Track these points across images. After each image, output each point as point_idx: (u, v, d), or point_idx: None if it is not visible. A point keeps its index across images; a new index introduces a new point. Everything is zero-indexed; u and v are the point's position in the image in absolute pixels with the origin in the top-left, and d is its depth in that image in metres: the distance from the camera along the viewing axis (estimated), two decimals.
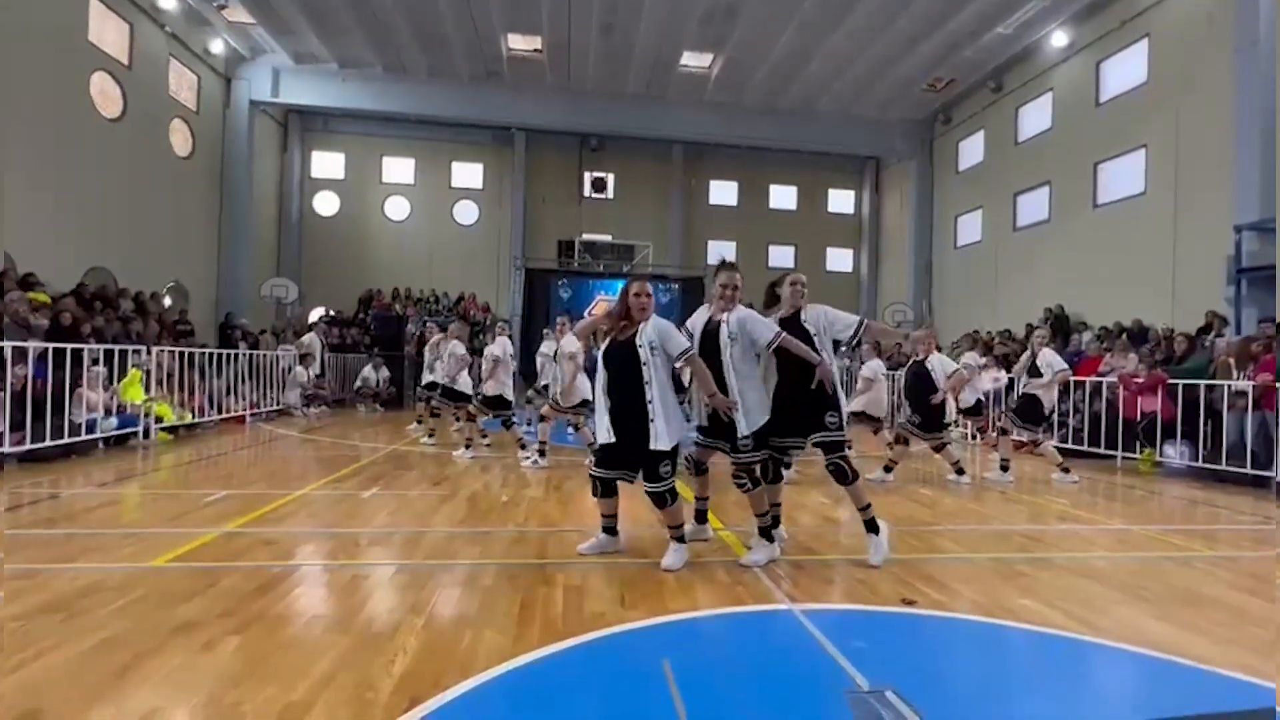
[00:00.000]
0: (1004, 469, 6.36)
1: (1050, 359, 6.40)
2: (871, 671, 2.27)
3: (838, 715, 2.03)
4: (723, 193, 19.90)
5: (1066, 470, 6.42)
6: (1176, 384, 7.36)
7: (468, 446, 7.19)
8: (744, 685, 2.25)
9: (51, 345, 6.54)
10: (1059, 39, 12.83)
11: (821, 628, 2.67)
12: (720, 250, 19.56)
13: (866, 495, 3.64)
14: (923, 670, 2.38)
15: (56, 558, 3.35)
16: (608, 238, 17.60)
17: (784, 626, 2.73)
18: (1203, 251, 9.81)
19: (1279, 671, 2.31)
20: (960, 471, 6.23)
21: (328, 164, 18.33)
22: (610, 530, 3.66)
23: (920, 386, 6.13)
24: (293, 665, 2.24)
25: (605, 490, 3.54)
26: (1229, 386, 6.81)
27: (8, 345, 5.91)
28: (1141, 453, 7.42)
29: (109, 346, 7.41)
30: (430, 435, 8.21)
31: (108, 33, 11.29)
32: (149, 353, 7.83)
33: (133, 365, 7.49)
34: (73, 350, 6.67)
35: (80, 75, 10.66)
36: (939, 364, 6.15)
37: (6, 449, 5.66)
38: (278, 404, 10.97)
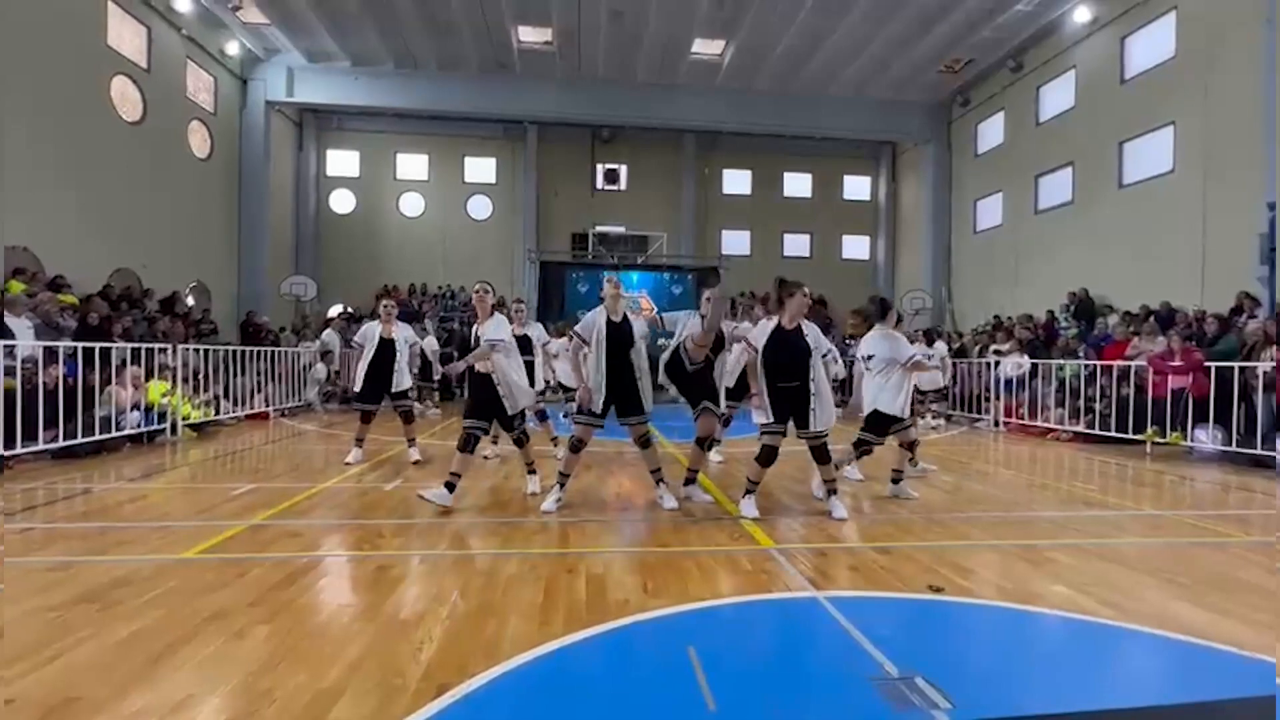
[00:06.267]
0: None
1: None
2: (900, 658, 2.25)
3: (865, 702, 2.01)
4: (736, 181, 19.74)
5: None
6: (1209, 366, 7.17)
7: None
8: (771, 672, 2.23)
9: (81, 345, 6.69)
10: (1081, 14, 12.49)
11: (847, 615, 2.64)
12: (734, 240, 19.46)
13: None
14: (952, 656, 2.35)
15: (91, 550, 3.43)
16: (621, 229, 17.56)
17: (809, 614, 2.71)
18: (1234, 230, 9.53)
19: None
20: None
21: (342, 162, 18.48)
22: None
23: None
24: (322, 653, 2.27)
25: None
26: (1261, 369, 6.62)
27: (39, 345, 6.05)
28: (1170, 434, 7.25)
29: (137, 345, 7.56)
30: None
31: (126, 37, 11.45)
32: (175, 351, 7.98)
33: (159, 378, 7.58)
34: (101, 349, 6.81)
35: (101, 79, 10.83)
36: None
37: (40, 445, 5.81)
38: (299, 399, 11.13)
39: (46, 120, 9.60)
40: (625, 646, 2.40)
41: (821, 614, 2.68)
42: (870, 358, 4.88)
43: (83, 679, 2.07)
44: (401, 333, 6.29)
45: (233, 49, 14.33)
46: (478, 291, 4.77)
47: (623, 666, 2.28)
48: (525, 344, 6.42)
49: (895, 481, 4.95)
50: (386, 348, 6.15)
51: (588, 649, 2.35)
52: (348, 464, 5.97)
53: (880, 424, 4.86)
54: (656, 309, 15.28)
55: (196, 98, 13.55)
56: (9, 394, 5.50)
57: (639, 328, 4.38)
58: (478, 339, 4.62)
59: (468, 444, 4.41)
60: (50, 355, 6.10)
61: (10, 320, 6.32)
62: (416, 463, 6.06)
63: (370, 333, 6.19)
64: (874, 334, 4.93)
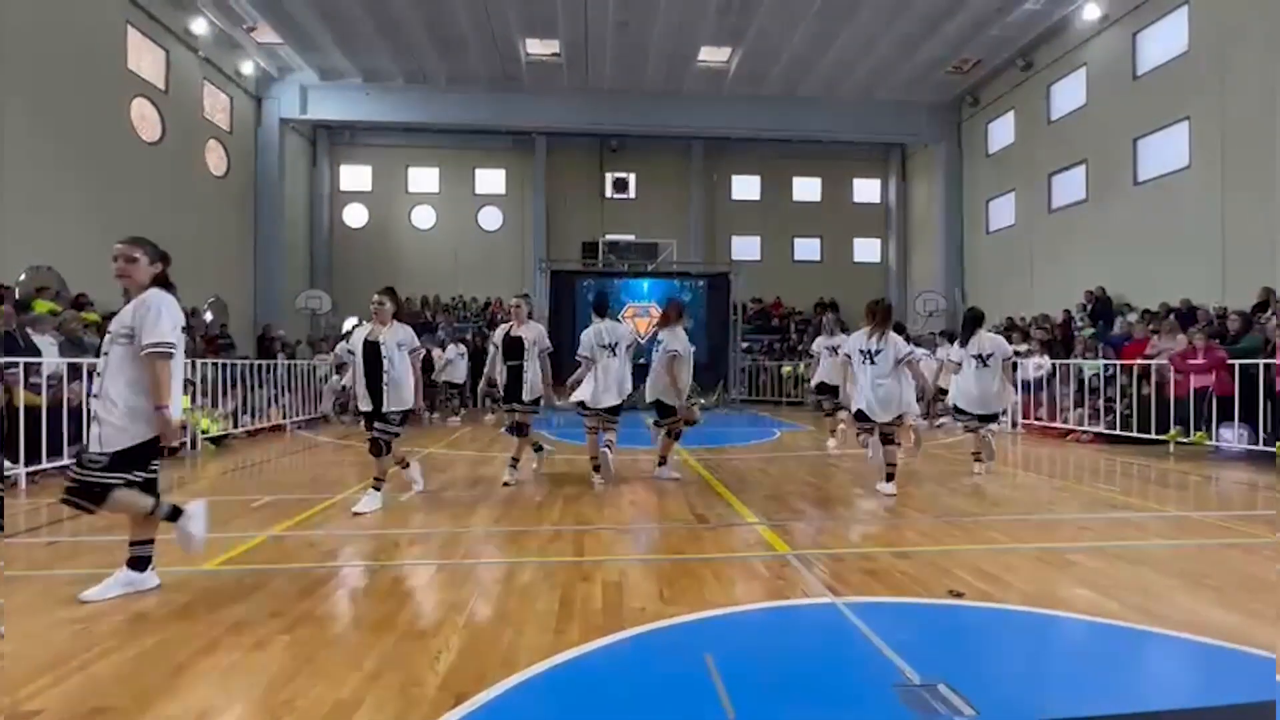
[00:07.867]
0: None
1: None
2: (921, 665, 2.21)
3: (888, 709, 1.98)
4: (745, 187, 19.76)
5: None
6: (1233, 364, 7.02)
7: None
8: (790, 680, 2.21)
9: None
10: (1091, 11, 12.40)
11: (867, 621, 2.61)
12: (744, 245, 19.43)
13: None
14: (975, 662, 2.31)
15: (114, 562, 3.45)
16: (631, 237, 17.62)
17: (828, 620, 2.68)
18: (1254, 224, 9.37)
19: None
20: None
21: (355, 177, 18.76)
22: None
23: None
24: (340, 663, 2.28)
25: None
26: None
27: (63, 362, 6.18)
28: (1194, 434, 7.10)
29: None
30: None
31: (145, 60, 11.73)
32: (194, 366, 8.10)
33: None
34: None
35: (121, 102, 11.10)
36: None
37: (65, 460, 5.91)
38: (316, 411, 11.24)
39: (69, 142, 9.85)
40: (642, 655, 2.39)
41: (841, 620, 2.65)
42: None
43: (107, 689, 2.10)
44: (394, 335, 4.72)
45: (247, 69, 14.63)
46: (515, 304, 5.58)
47: (640, 675, 2.27)
48: (516, 347, 5.35)
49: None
50: (372, 352, 4.64)
51: (605, 657, 2.33)
52: (402, 501, 4.91)
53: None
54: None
55: (213, 117, 13.84)
56: (34, 410, 5.61)
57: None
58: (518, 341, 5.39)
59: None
60: (74, 372, 6.23)
61: (35, 338, 6.46)
62: (358, 514, 4.47)
63: (357, 338, 4.80)
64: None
